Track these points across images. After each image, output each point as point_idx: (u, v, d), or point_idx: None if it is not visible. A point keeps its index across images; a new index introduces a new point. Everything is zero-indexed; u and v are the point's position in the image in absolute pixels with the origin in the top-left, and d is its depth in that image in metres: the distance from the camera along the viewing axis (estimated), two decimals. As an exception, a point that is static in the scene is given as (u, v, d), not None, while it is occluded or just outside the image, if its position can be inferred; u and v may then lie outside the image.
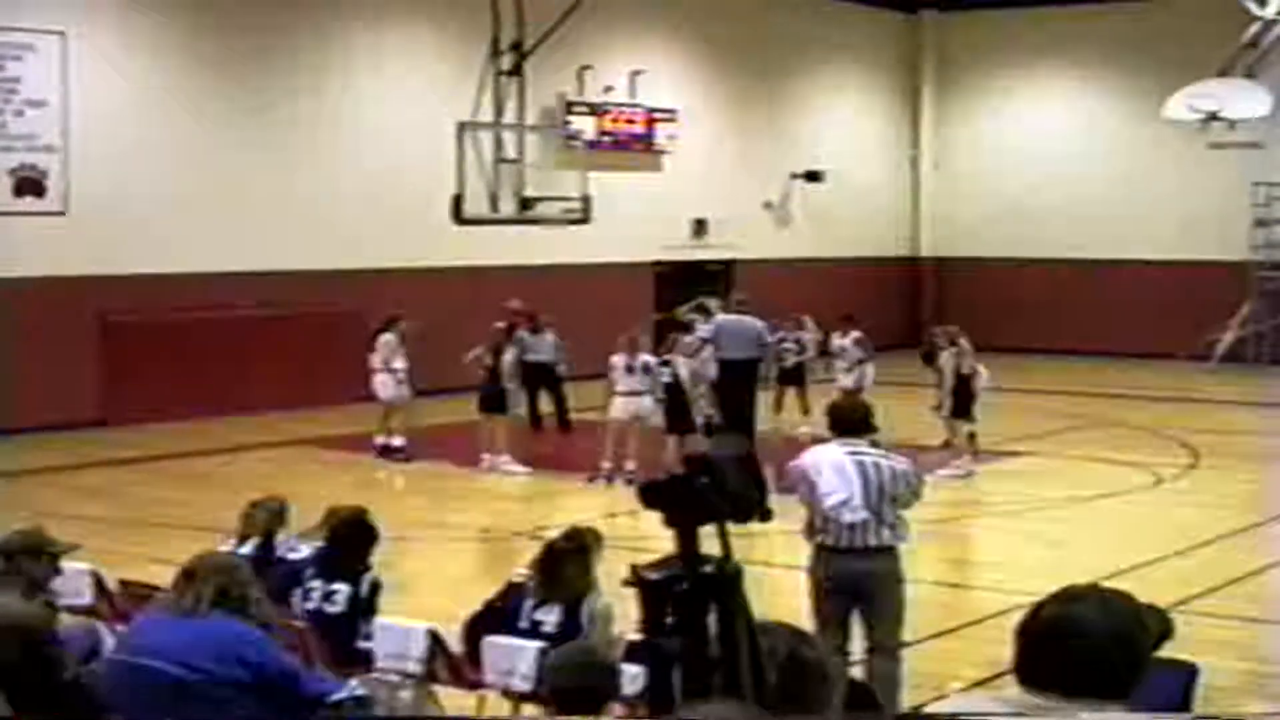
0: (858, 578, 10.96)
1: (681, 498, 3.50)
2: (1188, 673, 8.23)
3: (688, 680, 3.58)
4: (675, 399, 21.35)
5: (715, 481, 3.51)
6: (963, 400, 22.12)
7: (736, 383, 23.29)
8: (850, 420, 11.39)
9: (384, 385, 23.42)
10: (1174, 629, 7.81)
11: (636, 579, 3.60)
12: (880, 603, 11.11)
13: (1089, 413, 28.46)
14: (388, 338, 23.54)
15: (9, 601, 4.79)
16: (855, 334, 25.07)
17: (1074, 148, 38.90)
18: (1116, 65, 38.29)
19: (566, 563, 10.20)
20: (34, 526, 9.75)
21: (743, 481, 3.60)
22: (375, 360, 23.58)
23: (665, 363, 21.65)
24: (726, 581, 3.58)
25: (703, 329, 24.34)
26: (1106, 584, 4.56)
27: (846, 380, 24.33)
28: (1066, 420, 27.45)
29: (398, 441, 23.35)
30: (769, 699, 3.73)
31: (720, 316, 24.83)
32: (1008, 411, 25.13)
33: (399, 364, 23.43)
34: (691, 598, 3.54)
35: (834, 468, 10.92)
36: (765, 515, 3.66)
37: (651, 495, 3.58)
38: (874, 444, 11.62)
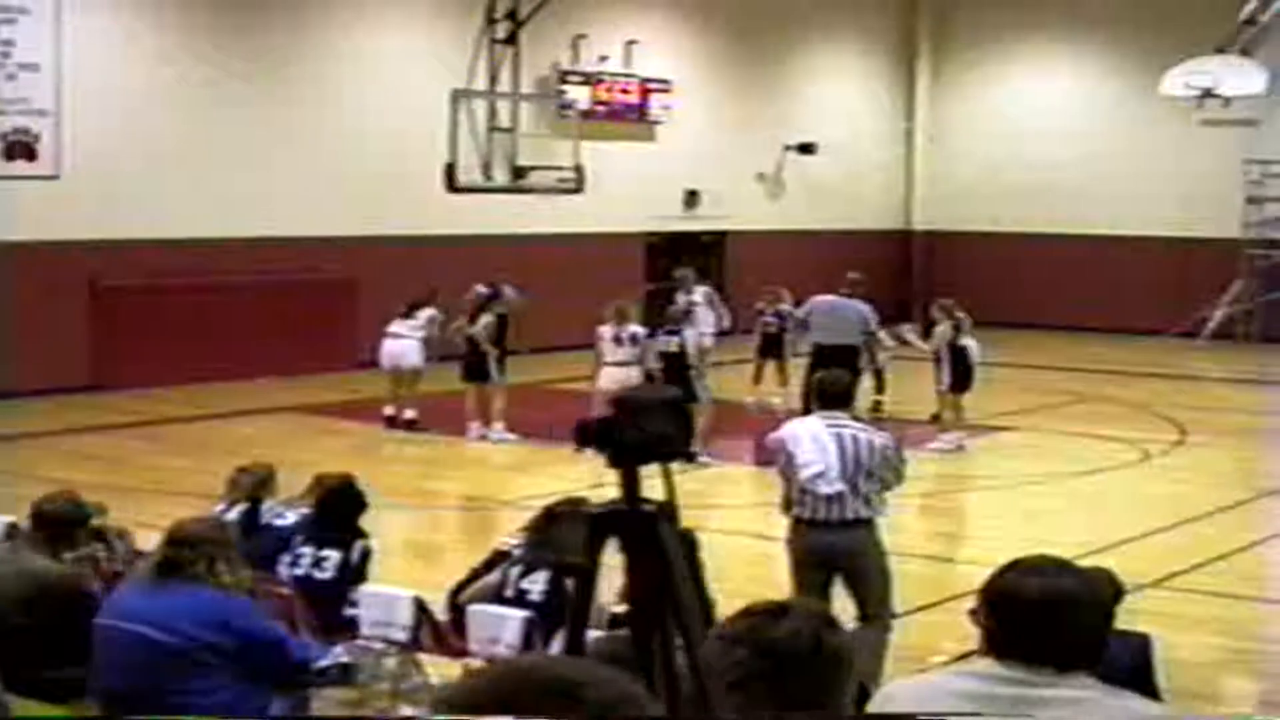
0: (834, 551, 10.99)
1: (607, 438, 3.71)
2: (1142, 641, 8.27)
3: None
4: (674, 368, 20.82)
5: (637, 423, 3.69)
6: (959, 375, 22.10)
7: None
8: (832, 393, 11.45)
9: (415, 353, 22.91)
10: (1124, 591, 7.88)
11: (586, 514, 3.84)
12: (863, 575, 11.14)
13: (1078, 388, 28.49)
14: (433, 312, 23.09)
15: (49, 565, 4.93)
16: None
17: (1068, 123, 38.76)
18: (1113, 41, 38.19)
19: (561, 525, 10.23)
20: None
21: (665, 424, 3.77)
22: (407, 328, 23.08)
23: (673, 332, 21.36)
24: (665, 526, 3.76)
25: (794, 312, 23.95)
26: (1093, 560, 4.61)
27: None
28: (1056, 395, 27.48)
29: (410, 413, 22.99)
30: (785, 683, 3.82)
31: (817, 297, 23.55)
32: (997, 386, 25.13)
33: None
34: (634, 534, 3.73)
35: (812, 439, 10.97)
36: (690, 458, 3.86)
37: (580, 435, 3.82)
38: (855, 418, 11.68)
